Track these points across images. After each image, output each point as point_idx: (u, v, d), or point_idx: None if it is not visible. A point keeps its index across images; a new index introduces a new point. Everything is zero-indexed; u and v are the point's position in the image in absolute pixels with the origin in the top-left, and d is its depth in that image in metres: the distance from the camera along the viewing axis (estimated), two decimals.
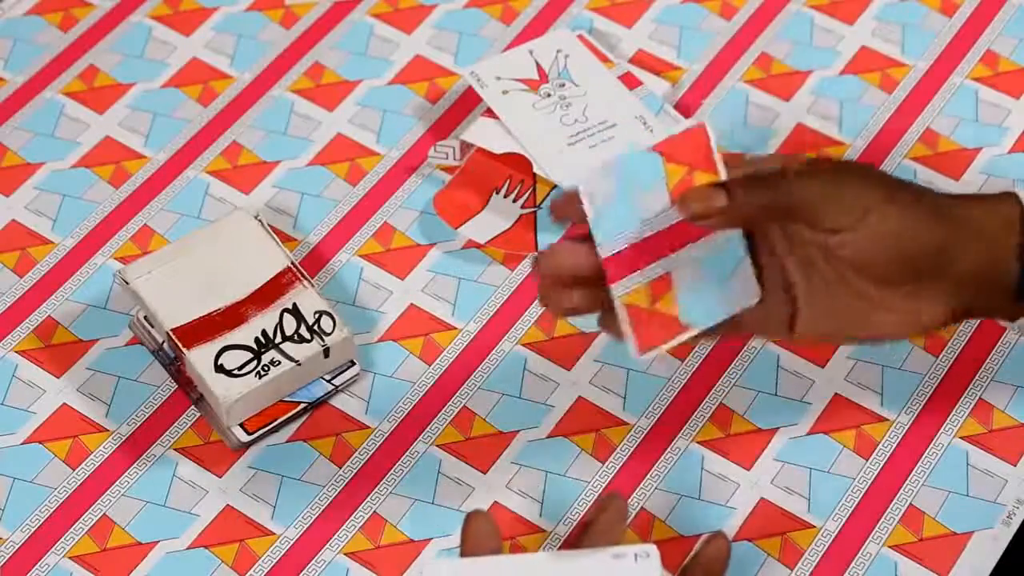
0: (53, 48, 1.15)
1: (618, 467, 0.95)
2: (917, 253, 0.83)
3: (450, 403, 0.98)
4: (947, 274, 0.84)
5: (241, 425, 0.96)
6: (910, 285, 0.84)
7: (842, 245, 0.83)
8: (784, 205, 0.83)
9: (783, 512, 0.93)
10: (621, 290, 0.82)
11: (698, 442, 0.96)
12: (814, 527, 0.93)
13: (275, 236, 1.00)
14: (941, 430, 0.96)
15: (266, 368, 0.95)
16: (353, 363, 0.98)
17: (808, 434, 0.96)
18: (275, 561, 0.92)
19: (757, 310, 0.86)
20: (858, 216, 0.82)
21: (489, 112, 1.07)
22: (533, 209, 1.05)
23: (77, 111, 1.11)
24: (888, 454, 0.95)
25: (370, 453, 0.96)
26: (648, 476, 0.95)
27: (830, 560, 0.92)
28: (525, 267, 1.03)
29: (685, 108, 1.10)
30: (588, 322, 1.01)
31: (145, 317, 0.99)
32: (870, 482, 0.94)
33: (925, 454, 0.95)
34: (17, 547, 0.93)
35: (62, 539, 0.93)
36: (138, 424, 0.97)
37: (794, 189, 0.83)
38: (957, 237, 0.84)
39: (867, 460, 0.95)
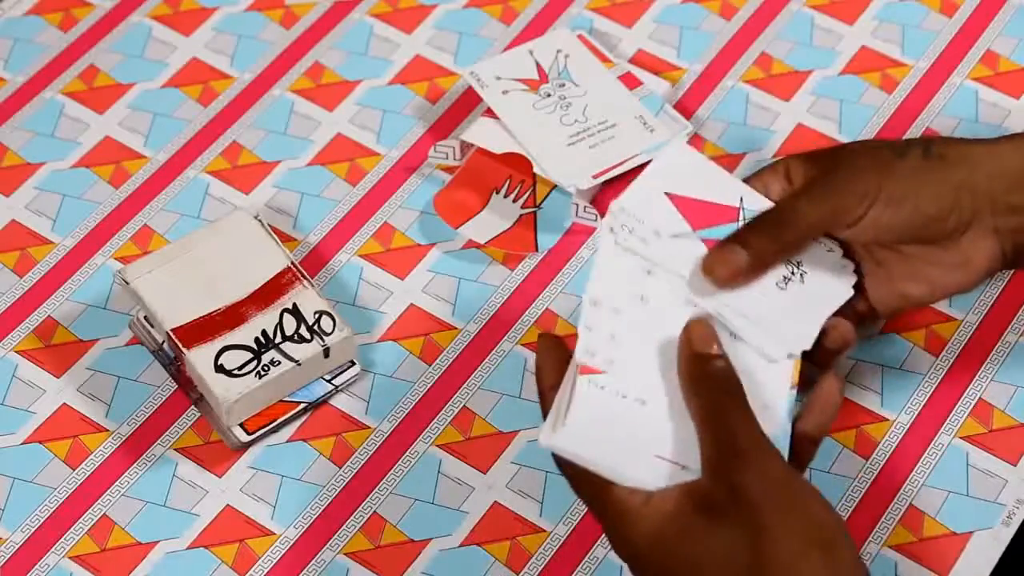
0: (53, 48, 1.15)
1: None
2: (936, 208, 0.86)
3: (450, 403, 0.98)
4: (979, 214, 0.87)
5: (241, 425, 0.96)
6: (946, 238, 0.87)
7: (861, 233, 0.86)
8: (797, 237, 0.86)
9: None
10: None
11: None
12: None
13: (275, 236, 1.00)
14: (941, 430, 0.96)
15: (266, 368, 0.95)
16: (353, 363, 0.98)
17: None
18: (275, 561, 0.92)
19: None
20: (863, 207, 0.85)
21: (489, 112, 1.07)
22: (533, 209, 1.05)
23: (77, 111, 1.11)
24: (888, 454, 0.95)
25: (370, 453, 0.96)
26: None
27: None
28: (525, 267, 1.04)
29: (685, 108, 1.10)
30: None
31: (145, 317, 0.99)
32: (870, 482, 0.94)
33: (925, 454, 0.95)
34: (17, 547, 0.93)
35: (62, 539, 0.93)
36: (138, 424, 0.97)
37: (799, 218, 0.86)
38: (975, 175, 0.86)
39: (867, 460, 0.95)
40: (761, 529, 0.75)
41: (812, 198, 0.86)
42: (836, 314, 0.87)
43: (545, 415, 0.82)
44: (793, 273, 0.87)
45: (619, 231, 0.84)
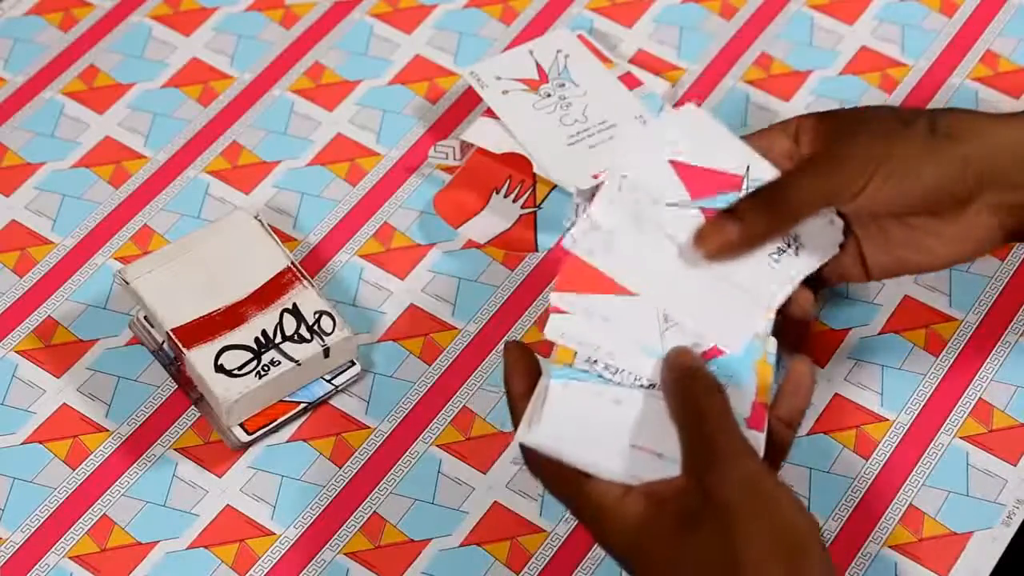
0: (53, 48, 1.15)
1: None
2: (938, 182, 0.86)
3: (450, 403, 0.98)
4: (981, 189, 0.86)
5: (241, 425, 0.96)
6: (947, 212, 0.87)
7: (861, 206, 0.86)
8: (794, 216, 0.86)
9: None
10: None
11: None
12: None
13: (275, 236, 1.00)
14: (941, 430, 0.96)
15: (266, 368, 0.95)
16: (353, 363, 0.98)
17: (808, 434, 0.96)
18: (275, 561, 0.92)
19: (833, 259, 0.89)
20: (864, 179, 0.85)
21: (489, 112, 1.07)
22: (533, 209, 1.05)
23: (77, 111, 1.11)
24: (888, 454, 0.95)
25: (370, 453, 0.96)
26: None
27: None
28: (525, 267, 1.04)
29: None
30: None
31: (145, 317, 0.99)
32: (870, 482, 0.94)
33: (925, 454, 0.95)
34: (17, 547, 0.93)
35: (62, 539, 0.93)
36: (138, 424, 0.97)
37: (798, 196, 0.86)
38: (979, 151, 0.86)
39: (867, 460, 0.95)
40: (732, 533, 0.75)
41: (814, 174, 0.86)
42: (818, 281, 0.89)
43: (516, 422, 0.82)
44: (789, 245, 0.87)
45: (616, 195, 0.86)
